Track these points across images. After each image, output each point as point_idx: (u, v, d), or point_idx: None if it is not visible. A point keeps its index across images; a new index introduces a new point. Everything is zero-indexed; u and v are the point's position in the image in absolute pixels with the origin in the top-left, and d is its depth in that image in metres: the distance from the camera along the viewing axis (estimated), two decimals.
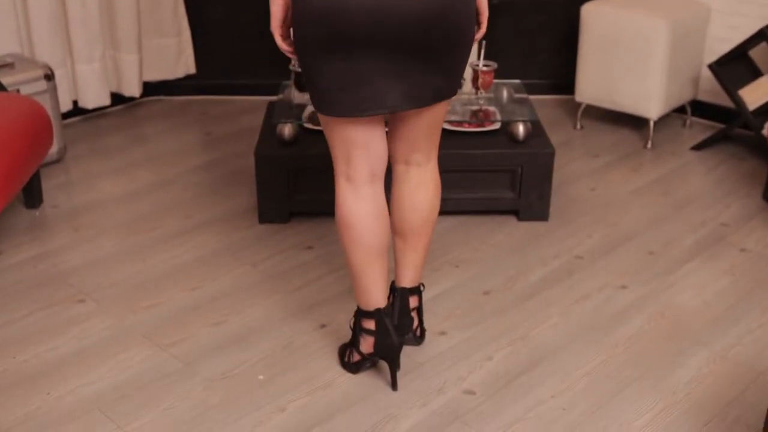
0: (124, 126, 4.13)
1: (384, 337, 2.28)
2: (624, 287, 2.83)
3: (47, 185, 3.48)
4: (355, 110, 2.06)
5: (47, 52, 3.81)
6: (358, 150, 2.15)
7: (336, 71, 2.01)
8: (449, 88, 2.12)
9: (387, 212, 2.25)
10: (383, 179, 2.24)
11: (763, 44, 3.73)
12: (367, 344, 2.34)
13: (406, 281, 2.40)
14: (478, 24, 2.16)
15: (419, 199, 2.28)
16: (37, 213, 3.30)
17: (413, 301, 2.43)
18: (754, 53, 3.80)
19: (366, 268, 2.24)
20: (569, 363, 2.46)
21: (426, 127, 2.20)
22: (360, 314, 2.34)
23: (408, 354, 2.47)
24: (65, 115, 4.00)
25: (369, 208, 2.20)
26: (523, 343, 2.55)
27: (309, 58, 2.02)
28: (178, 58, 4.30)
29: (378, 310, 2.28)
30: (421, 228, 2.31)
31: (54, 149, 3.63)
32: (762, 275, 2.89)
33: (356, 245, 2.22)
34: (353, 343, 2.39)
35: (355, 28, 1.93)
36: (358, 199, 2.20)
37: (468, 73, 3.33)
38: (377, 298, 2.28)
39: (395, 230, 2.34)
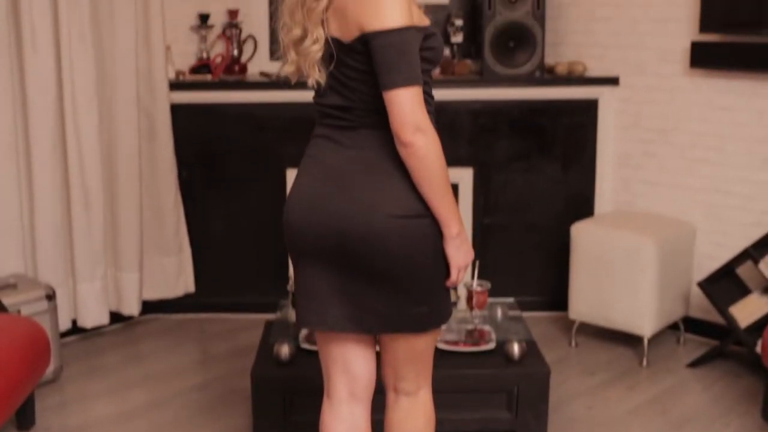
0: (121, 345, 4.14)
1: None
2: None
3: (41, 406, 3.44)
4: (302, 321, 2.16)
5: (50, 272, 3.88)
6: (334, 366, 2.20)
7: (297, 280, 2.15)
8: (400, 321, 2.09)
9: None
10: (366, 402, 2.23)
11: (749, 262, 3.82)
12: None
13: None
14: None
15: (408, 431, 2.25)
16: None
17: None
18: (741, 271, 3.88)
19: None
20: None
21: (403, 356, 2.18)
22: None
23: None
24: (63, 334, 4.02)
25: (341, 428, 2.19)
26: None
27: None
28: (178, 277, 4.38)
29: None
30: None
31: (50, 369, 3.62)
32: None
33: None
34: None
35: (297, 240, 2.10)
36: (333, 417, 2.21)
37: (462, 293, 3.40)
38: None
39: None
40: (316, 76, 2.02)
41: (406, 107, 1.92)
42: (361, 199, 2.02)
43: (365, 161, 2.04)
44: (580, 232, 4.01)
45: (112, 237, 4.16)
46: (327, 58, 2.02)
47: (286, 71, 2.09)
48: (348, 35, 1.97)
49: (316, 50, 2.00)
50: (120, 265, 4.17)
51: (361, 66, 1.98)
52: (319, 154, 2.11)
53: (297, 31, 2.01)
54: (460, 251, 2.08)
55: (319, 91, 2.11)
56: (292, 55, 2.05)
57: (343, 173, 2.05)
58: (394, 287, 2.05)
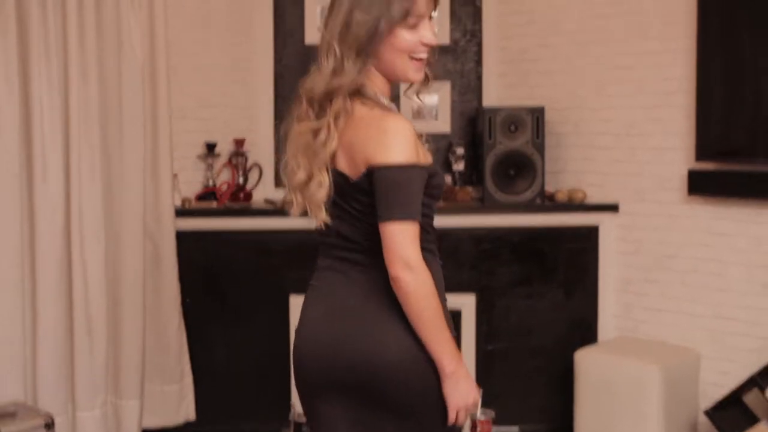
0: None
1: None
2: None
3: None
4: None
5: (50, 399, 3.84)
6: None
7: (309, 416, 2.14)
8: None
9: None
10: None
11: (756, 390, 3.78)
12: None
13: None
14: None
15: None
16: None
17: None
18: (748, 398, 3.83)
19: None
20: None
21: None
22: None
23: None
24: None
25: None
26: None
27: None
28: (179, 404, 4.32)
29: None
30: None
31: None
32: None
33: None
34: None
35: (308, 376, 2.10)
36: None
37: (466, 422, 3.36)
38: None
39: None
40: (322, 217, 2.06)
41: (397, 241, 1.92)
42: (372, 333, 2.02)
43: (375, 295, 2.04)
44: (585, 358, 3.99)
45: (114, 364, 4.13)
46: (332, 196, 2.06)
47: (294, 214, 2.12)
48: (356, 172, 2.01)
49: (321, 196, 2.03)
50: (121, 392, 4.13)
51: (367, 204, 2.01)
52: (326, 286, 2.13)
53: (301, 175, 2.06)
54: (457, 391, 2.04)
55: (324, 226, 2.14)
56: (298, 198, 2.08)
57: (353, 307, 2.06)
58: (409, 419, 2.04)
